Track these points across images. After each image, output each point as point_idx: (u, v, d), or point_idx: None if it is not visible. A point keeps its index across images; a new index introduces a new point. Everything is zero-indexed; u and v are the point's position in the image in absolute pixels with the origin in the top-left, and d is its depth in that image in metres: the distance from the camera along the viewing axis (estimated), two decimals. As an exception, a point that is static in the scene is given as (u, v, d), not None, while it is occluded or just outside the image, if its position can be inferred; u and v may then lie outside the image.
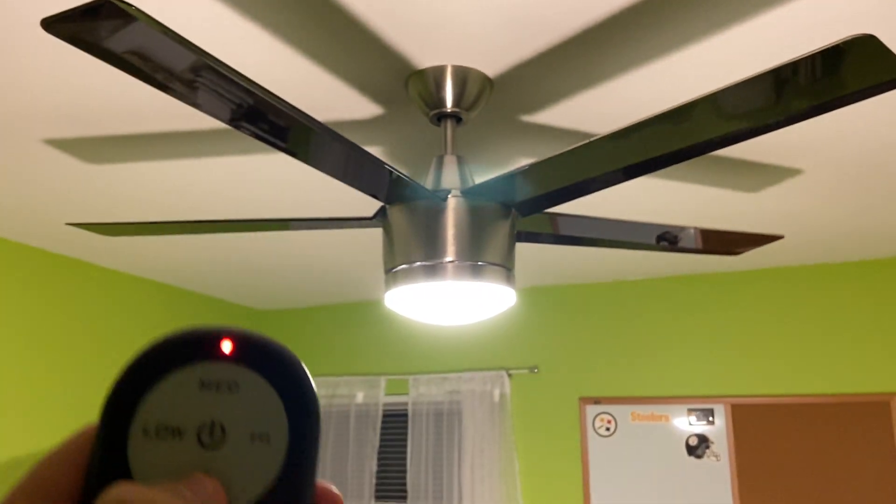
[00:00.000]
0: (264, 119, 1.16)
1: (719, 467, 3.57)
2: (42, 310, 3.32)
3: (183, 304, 4.19)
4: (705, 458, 3.60)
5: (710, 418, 3.63)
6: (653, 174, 2.38)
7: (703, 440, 3.62)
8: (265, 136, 1.22)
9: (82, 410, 3.48)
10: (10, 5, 1.42)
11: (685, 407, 3.69)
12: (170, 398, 0.33)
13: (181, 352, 0.34)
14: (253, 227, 1.72)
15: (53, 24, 0.91)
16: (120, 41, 0.94)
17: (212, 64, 0.99)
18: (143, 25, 0.89)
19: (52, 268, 3.38)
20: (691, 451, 3.63)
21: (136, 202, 2.62)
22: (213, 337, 0.34)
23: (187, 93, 1.07)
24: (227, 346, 0.34)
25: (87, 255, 3.44)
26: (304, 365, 0.35)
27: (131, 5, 0.87)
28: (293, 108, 1.13)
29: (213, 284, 4.09)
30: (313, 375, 4.61)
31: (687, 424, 3.67)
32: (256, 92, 1.07)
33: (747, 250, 1.93)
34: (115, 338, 3.70)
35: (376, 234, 3.08)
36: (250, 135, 1.21)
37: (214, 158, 2.22)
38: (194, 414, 0.33)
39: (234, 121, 1.17)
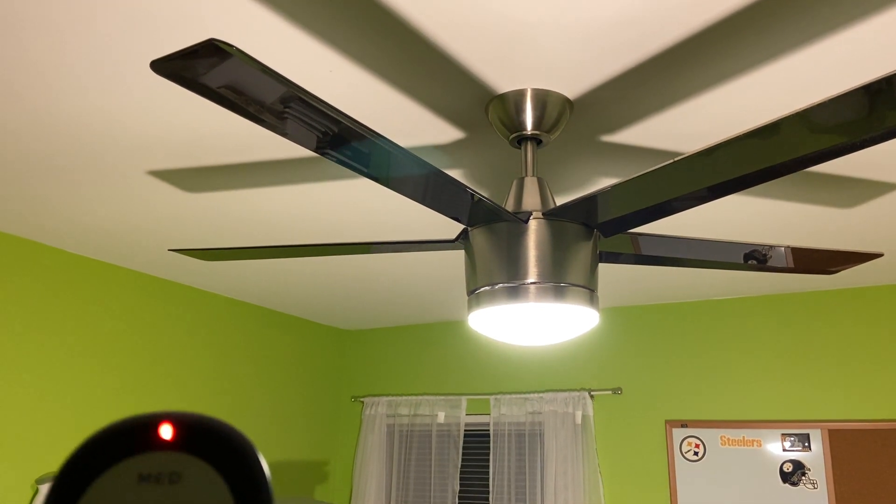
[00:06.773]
0: (349, 146, 1.20)
1: (816, 495, 3.40)
2: (146, 330, 3.50)
3: (275, 325, 4.33)
4: (801, 486, 3.44)
5: (806, 444, 3.47)
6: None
7: (798, 466, 3.46)
8: (350, 162, 1.26)
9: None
10: (115, 47, 1.53)
11: (779, 432, 3.54)
12: (107, 497, 0.30)
13: (117, 445, 0.31)
14: (338, 251, 1.78)
15: (161, 65, 0.98)
16: (218, 77, 1.00)
17: (300, 94, 1.04)
18: (240, 61, 0.95)
19: (155, 291, 3.56)
20: (786, 477, 3.48)
21: (231, 229, 2.74)
22: (151, 424, 0.32)
23: (277, 123, 1.13)
24: (166, 432, 0.31)
25: (187, 279, 3.60)
26: (257, 450, 0.32)
27: (231, 45, 0.93)
28: (376, 134, 1.17)
29: (302, 306, 4.21)
30: (398, 394, 4.66)
31: (780, 450, 3.52)
32: (342, 120, 1.11)
33: (843, 269, 1.86)
34: (212, 356, 3.86)
35: (460, 255, 3.11)
36: (336, 161, 1.26)
37: (302, 185, 2.30)
38: None
39: (321, 148, 1.22)
